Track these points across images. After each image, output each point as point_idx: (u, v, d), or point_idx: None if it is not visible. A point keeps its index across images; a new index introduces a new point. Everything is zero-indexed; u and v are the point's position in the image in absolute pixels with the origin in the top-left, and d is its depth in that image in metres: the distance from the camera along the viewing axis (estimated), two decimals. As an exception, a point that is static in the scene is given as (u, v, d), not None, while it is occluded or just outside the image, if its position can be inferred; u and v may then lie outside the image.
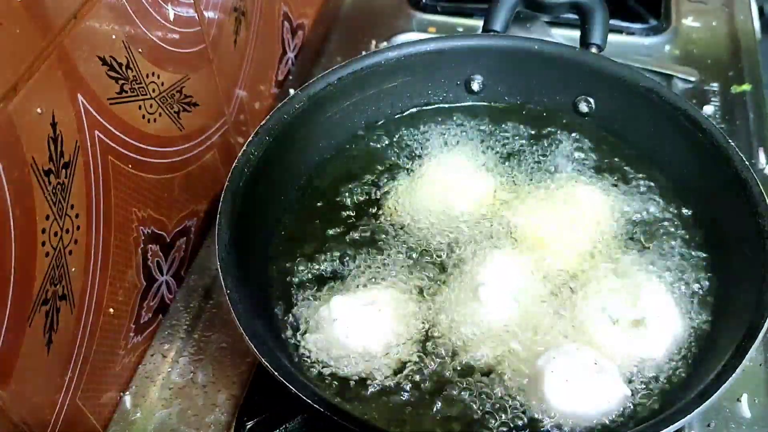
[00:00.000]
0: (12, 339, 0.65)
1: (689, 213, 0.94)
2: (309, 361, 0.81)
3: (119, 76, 0.78)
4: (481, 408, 0.77)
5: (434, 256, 0.90)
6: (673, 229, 0.92)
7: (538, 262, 0.88)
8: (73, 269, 0.74)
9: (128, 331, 0.88)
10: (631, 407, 0.76)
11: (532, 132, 1.05)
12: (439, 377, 0.79)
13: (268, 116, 0.92)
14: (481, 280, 0.83)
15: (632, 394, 0.77)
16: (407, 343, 0.82)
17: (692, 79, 1.25)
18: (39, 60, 0.65)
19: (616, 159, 1.01)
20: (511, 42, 1.05)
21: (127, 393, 0.89)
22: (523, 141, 1.04)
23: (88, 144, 0.74)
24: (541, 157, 1.01)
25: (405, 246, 0.91)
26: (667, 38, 1.35)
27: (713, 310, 0.84)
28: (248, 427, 0.82)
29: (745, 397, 0.87)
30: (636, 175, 0.98)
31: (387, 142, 1.04)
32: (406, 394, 0.79)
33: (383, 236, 0.92)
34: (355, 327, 0.80)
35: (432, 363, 0.81)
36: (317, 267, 0.89)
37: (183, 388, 0.90)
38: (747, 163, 0.86)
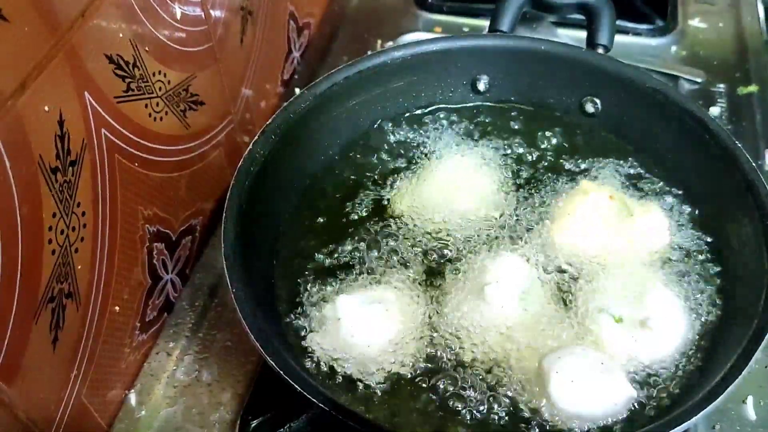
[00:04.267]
0: (18, 336, 0.66)
1: (695, 214, 0.94)
2: (314, 359, 0.81)
3: (126, 74, 0.78)
4: (486, 408, 0.77)
5: (440, 255, 0.90)
6: (678, 230, 0.92)
7: (544, 262, 0.88)
8: (79, 267, 0.74)
9: (133, 329, 0.88)
10: (637, 408, 0.76)
11: (539, 133, 1.04)
12: (443, 376, 0.79)
13: (274, 115, 0.92)
14: (486, 279, 0.83)
15: (638, 395, 0.77)
16: (412, 342, 0.82)
17: (699, 80, 1.25)
18: (47, 58, 0.65)
19: (622, 160, 1.00)
20: (517, 42, 1.05)
21: (132, 391, 0.89)
22: (530, 141, 1.04)
23: (95, 142, 0.74)
24: (547, 158, 1.01)
25: (410, 245, 0.91)
26: (674, 39, 1.35)
27: (719, 311, 0.84)
28: (253, 425, 0.82)
29: (750, 400, 0.87)
30: (642, 176, 0.98)
31: (393, 142, 1.04)
32: (409, 392, 0.78)
33: (388, 235, 0.92)
34: (360, 326, 0.80)
35: (437, 362, 0.81)
36: (323, 266, 0.89)
37: (188, 387, 0.90)
38: (754, 164, 0.86)
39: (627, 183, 0.98)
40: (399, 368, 0.80)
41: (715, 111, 1.21)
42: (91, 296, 0.77)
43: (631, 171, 0.99)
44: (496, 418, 0.76)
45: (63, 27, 0.67)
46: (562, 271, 0.88)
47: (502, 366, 0.80)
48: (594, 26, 1.06)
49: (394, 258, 0.90)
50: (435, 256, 0.90)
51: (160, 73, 0.85)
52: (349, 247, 0.91)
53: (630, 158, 1.00)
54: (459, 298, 0.84)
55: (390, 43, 1.34)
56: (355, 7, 1.46)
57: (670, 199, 0.95)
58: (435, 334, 0.83)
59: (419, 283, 0.87)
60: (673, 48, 1.33)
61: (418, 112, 1.08)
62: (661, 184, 0.97)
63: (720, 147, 0.89)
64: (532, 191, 0.97)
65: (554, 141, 1.03)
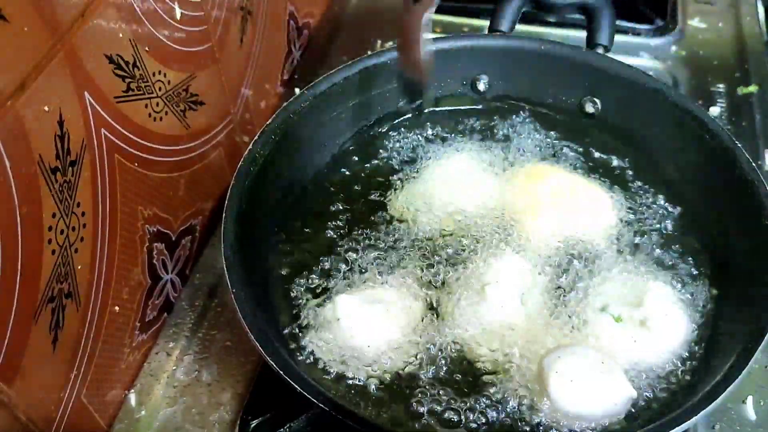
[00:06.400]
0: (18, 336, 0.66)
1: (695, 214, 0.94)
2: (314, 359, 0.81)
3: (126, 74, 0.78)
4: (486, 408, 0.77)
5: (440, 255, 0.90)
6: (678, 230, 0.92)
7: (544, 262, 0.88)
8: (79, 267, 0.74)
9: (133, 329, 0.88)
10: (637, 408, 0.76)
11: (538, 133, 1.04)
12: (444, 376, 0.79)
13: (273, 115, 0.92)
14: (486, 279, 0.83)
15: (638, 395, 0.76)
16: (412, 342, 0.82)
17: None
18: (46, 58, 0.65)
19: (621, 160, 1.00)
20: (517, 42, 1.05)
21: (132, 391, 0.89)
22: (529, 142, 1.04)
23: (95, 142, 0.74)
24: (546, 158, 1.01)
25: (410, 245, 0.91)
26: (674, 39, 1.35)
27: (719, 311, 0.84)
28: (252, 425, 0.82)
29: (750, 399, 0.87)
30: (643, 176, 0.98)
31: (393, 142, 1.04)
32: (410, 392, 0.78)
33: (389, 236, 0.92)
34: (360, 326, 0.80)
35: (437, 362, 0.80)
36: (323, 266, 0.89)
37: (188, 387, 0.90)
38: (753, 164, 0.86)
39: (626, 182, 0.98)
40: (399, 368, 0.80)
41: (715, 111, 1.21)
42: (91, 296, 0.77)
43: (631, 171, 0.99)
44: (496, 418, 0.76)
45: (63, 27, 0.67)
46: (563, 271, 0.88)
47: (502, 366, 0.80)
48: (594, 26, 1.06)
49: (394, 258, 0.90)
50: (435, 255, 0.90)
51: (160, 73, 0.85)
52: (349, 248, 0.91)
53: (630, 158, 1.00)
54: (459, 297, 0.84)
55: (390, 44, 1.34)
56: (355, 7, 1.46)
57: (669, 199, 0.95)
58: (435, 334, 0.83)
59: (419, 283, 0.87)
60: (673, 48, 1.33)
61: (418, 112, 1.07)
62: (661, 184, 0.97)
63: (719, 147, 0.89)
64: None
65: (554, 141, 1.03)
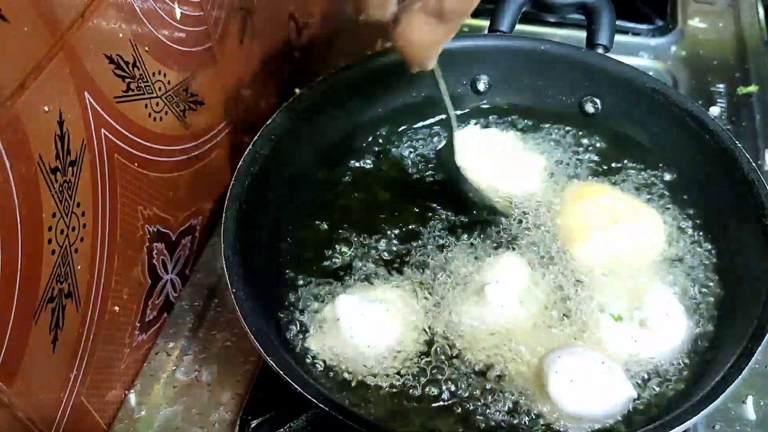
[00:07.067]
0: (18, 336, 0.66)
1: (695, 214, 0.94)
2: (314, 359, 0.81)
3: (126, 74, 0.78)
4: (485, 408, 0.77)
5: (440, 255, 0.90)
6: (679, 230, 0.92)
7: (544, 263, 0.88)
8: (79, 267, 0.74)
9: (133, 329, 0.88)
10: (637, 408, 0.76)
11: (538, 133, 1.04)
12: (443, 376, 0.79)
13: (274, 115, 0.92)
14: (486, 279, 0.83)
15: (638, 395, 0.77)
16: (412, 342, 0.82)
17: None
18: (46, 58, 0.65)
19: (622, 160, 1.00)
20: (517, 42, 1.05)
21: (132, 391, 0.89)
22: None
23: (95, 142, 0.74)
24: (546, 159, 1.01)
25: (410, 245, 0.91)
26: (674, 39, 1.35)
27: (719, 311, 0.84)
28: (252, 425, 0.82)
29: (750, 399, 0.87)
30: (642, 176, 0.98)
31: (393, 142, 1.04)
32: (410, 392, 0.78)
33: (389, 235, 0.92)
34: (360, 326, 0.80)
35: (436, 362, 0.80)
36: (322, 266, 0.89)
37: (187, 387, 0.90)
38: (753, 164, 0.86)
39: (626, 183, 0.98)
40: (399, 368, 0.80)
41: (715, 111, 1.21)
42: (91, 296, 0.77)
43: (631, 171, 0.99)
44: (496, 417, 0.76)
45: (62, 27, 0.67)
46: (563, 271, 0.88)
47: (501, 366, 0.80)
48: (594, 26, 1.06)
49: (395, 258, 0.90)
50: (435, 255, 0.90)
51: (159, 73, 0.85)
52: (349, 248, 0.91)
53: (629, 158, 1.00)
54: (459, 297, 0.84)
55: (389, 44, 1.34)
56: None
57: (669, 199, 0.95)
58: (435, 334, 0.83)
59: (419, 283, 0.87)
60: (673, 48, 1.33)
61: (418, 112, 1.07)
62: (661, 184, 0.97)
63: (719, 147, 0.89)
64: (532, 191, 0.97)
65: (554, 142, 1.03)
